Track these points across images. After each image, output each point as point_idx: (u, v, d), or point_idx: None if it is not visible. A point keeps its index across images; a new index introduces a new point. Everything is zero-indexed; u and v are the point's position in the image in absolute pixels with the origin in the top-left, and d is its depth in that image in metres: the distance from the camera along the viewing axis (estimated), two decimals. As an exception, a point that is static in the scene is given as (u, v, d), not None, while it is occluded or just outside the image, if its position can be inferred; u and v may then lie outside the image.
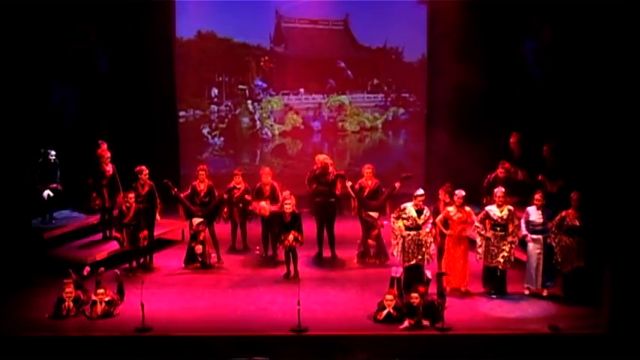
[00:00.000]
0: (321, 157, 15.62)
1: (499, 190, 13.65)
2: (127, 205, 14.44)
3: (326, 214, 15.33)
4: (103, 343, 11.97)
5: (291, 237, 14.26)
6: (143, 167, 15.10)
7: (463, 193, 13.57)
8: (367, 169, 15.26)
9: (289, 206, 14.41)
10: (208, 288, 13.92)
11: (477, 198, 15.12)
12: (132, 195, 14.55)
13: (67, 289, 12.79)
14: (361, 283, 14.03)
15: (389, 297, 12.54)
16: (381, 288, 13.17)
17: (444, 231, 13.66)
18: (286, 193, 14.79)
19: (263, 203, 15.21)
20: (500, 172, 15.27)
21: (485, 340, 11.94)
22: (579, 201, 13.17)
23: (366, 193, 15.05)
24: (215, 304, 13.25)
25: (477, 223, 13.56)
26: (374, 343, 11.91)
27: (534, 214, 13.50)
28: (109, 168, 15.61)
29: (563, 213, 13.25)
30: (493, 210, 13.51)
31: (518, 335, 12.00)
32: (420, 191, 13.81)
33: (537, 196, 13.55)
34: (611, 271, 12.11)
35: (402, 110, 19.45)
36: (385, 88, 19.37)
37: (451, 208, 13.61)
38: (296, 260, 14.40)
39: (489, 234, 13.44)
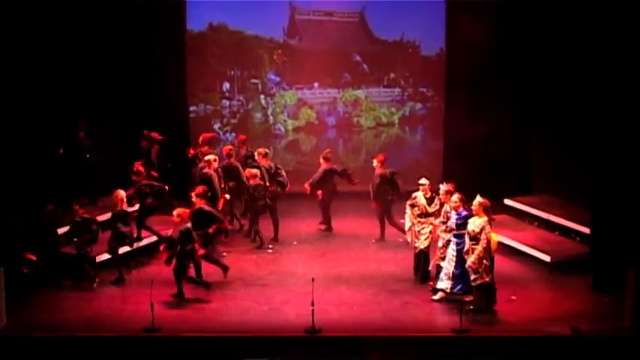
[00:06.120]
0: None
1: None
2: None
3: None
4: (112, 343, 11.85)
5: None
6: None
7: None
8: None
9: None
10: (220, 288, 13.68)
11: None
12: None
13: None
14: (377, 283, 13.83)
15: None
16: (396, 288, 13.17)
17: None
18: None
19: None
20: None
21: (504, 341, 11.75)
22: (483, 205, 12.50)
23: None
24: (227, 305, 13.10)
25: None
26: (390, 344, 11.71)
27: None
28: None
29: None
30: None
31: (540, 337, 11.77)
32: (423, 180, 13.81)
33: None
34: (635, 271, 11.88)
35: (419, 105, 19.29)
36: (402, 82, 19.23)
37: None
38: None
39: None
